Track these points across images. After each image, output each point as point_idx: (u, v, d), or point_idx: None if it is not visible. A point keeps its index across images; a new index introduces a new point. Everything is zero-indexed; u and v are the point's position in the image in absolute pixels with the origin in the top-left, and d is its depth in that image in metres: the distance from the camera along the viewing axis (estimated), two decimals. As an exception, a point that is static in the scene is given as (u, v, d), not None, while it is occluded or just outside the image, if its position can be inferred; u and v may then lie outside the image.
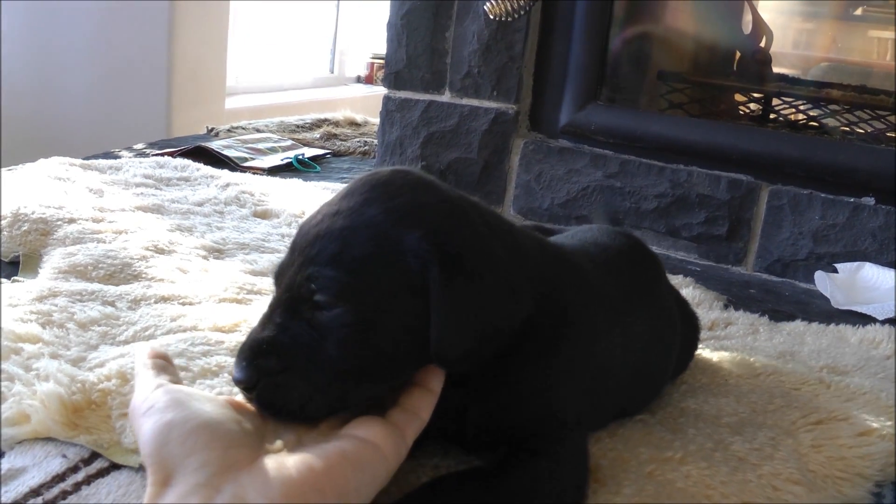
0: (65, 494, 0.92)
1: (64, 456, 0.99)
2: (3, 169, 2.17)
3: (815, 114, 2.53)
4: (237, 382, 0.85)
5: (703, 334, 1.43)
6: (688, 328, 1.31)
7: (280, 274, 0.90)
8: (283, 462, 0.75)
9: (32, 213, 1.73)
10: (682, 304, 1.36)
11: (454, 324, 0.85)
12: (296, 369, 0.83)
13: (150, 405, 0.80)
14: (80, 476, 0.96)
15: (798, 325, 1.66)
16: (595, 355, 1.03)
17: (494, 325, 0.88)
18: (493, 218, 0.96)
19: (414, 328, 0.85)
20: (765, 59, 2.66)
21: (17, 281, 1.48)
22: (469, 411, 0.96)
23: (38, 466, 0.97)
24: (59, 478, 0.95)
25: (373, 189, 0.90)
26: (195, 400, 0.80)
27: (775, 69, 2.70)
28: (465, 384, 0.94)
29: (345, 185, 0.94)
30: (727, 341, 1.53)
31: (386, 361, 0.86)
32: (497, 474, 0.90)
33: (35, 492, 0.92)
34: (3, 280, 1.48)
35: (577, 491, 0.94)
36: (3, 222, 1.69)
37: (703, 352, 1.40)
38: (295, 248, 0.89)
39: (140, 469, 0.97)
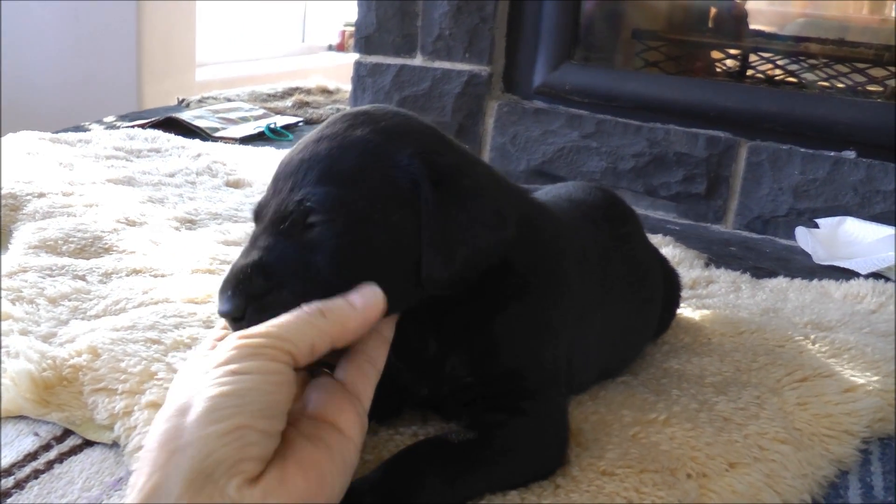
0: (37, 473, 0.91)
1: (36, 434, 0.97)
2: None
3: (793, 69, 2.51)
4: (223, 315, 0.82)
5: (685, 293, 1.41)
6: (668, 286, 1.30)
7: (261, 209, 0.88)
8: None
9: (1, 188, 1.70)
10: (662, 261, 1.34)
11: (445, 243, 0.84)
12: (284, 286, 0.81)
13: None
14: (52, 454, 0.94)
15: (780, 282, 1.65)
16: (572, 309, 1.01)
17: (482, 246, 0.87)
18: (474, 155, 0.96)
19: (403, 244, 0.84)
20: (741, 15, 2.64)
21: (-4, 258, 1.46)
22: (446, 362, 0.94)
23: (10, 445, 0.95)
24: (32, 456, 0.94)
25: (356, 117, 0.90)
26: None
27: (752, 25, 2.68)
28: (441, 333, 0.93)
29: (338, 114, 0.93)
30: (709, 300, 1.52)
31: (372, 277, 0.83)
32: (477, 436, 0.88)
33: (7, 471, 0.91)
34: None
35: (557, 452, 0.93)
36: (-30, 198, 1.67)
37: (685, 311, 1.39)
38: (278, 178, 0.88)
39: (113, 445, 0.95)
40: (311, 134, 0.91)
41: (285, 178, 0.86)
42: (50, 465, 0.92)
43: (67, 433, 0.98)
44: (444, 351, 0.94)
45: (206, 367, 0.73)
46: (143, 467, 0.68)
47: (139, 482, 0.67)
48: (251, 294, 0.80)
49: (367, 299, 0.82)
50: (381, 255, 0.84)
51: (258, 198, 1.83)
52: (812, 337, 1.32)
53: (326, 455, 0.74)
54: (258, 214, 0.88)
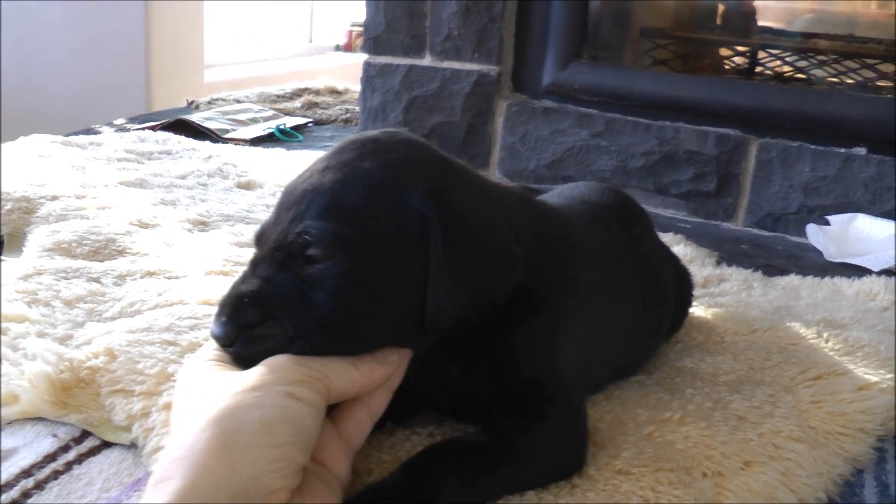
0: (56, 474, 0.91)
1: (54, 435, 0.98)
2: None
3: (802, 65, 2.51)
4: (215, 338, 0.82)
5: (697, 291, 1.42)
6: (680, 285, 1.30)
7: (263, 234, 0.87)
8: None
9: (15, 191, 1.71)
10: (674, 260, 1.34)
11: (452, 289, 0.83)
12: (277, 319, 0.80)
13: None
14: (71, 455, 0.95)
15: (793, 280, 1.65)
16: (587, 315, 1.01)
17: (490, 291, 0.87)
18: (483, 180, 0.94)
19: (406, 284, 0.83)
20: (749, 12, 2.64)
21: (2, 261, 1.46)
22: (462, 379, 0.94)
23: (29, 447, 0.96)
24: (51, 457, 0.94)
25: (364, 146, 0.88)
26: None
27: (760, 22, 2.68)
28: (457, 351, 0.92)
29: (344, 141, 0.91)
30: (721, 298, 1.52)
31: (374, 318, 0.83)
32: (497, 441, 0.88)
33: (26, 472, 0.91)
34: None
35: (577, 455, 0.93)
36: (-17, 201, 1.67)
37: (698, 309, 1.39)
38: (281, 207, 0.86)
39: (131, 446, 0.96)
40: (317, 161, 0.89)
41: (288, 207, 0.85)
42: (69, 466, 0.93)
43: (86, 434, 0.98)
44: (466, 371, 0.93)
45: (257, 377, 0.75)
46: (178, 466, 0.68)
47: (173, 481, 0.67)
48: (244, 323, 0.80)
49: (402, 356, 0.85)
50: (382, 294, 0.83)
51: (268, 199, 1.85)
52: (825, 335, 1.32)
53: (332, 495, 0.76)
54: (259, 239, 0.87)
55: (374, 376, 0.83)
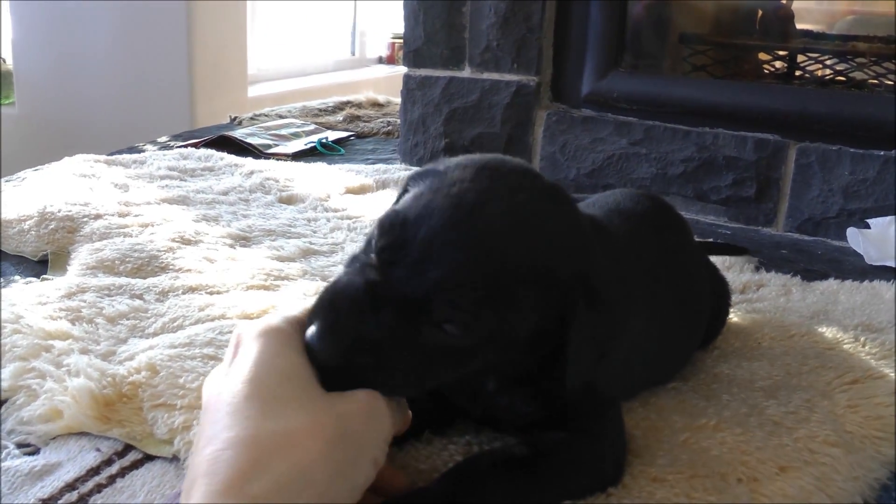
0: (100, 487, 0.93)
1: (98, 449, 1.00)
2: (28, 169, 2.18)
3: (841, 68, 2.49)
4: (320, 355, 0.78)
5: (735, 297, 1.41)
6: (718, 296, 1.30)
7: (398, 248, 0.78)
8: None
9: (59, 211, 1.74)
10: (712, 269, 1.34)
11: (589, 355, 0.85)
12: (385, 370, 0.78)
13: None
14: (114, 469, 0.96)
15: (831, 284, 1.64)
16: (628, 329, 1.01)
17: (610, 345, 0.89)
18: (590, 226, 0.93)
19: (519, 351, 0.84)
20: (788, 16, 2.63)
21: (47, 279, 1.49)
22: (505, 398, 0.94)
23: (73, 461, 0.98)
24: (94, 471, 0.96)
25: (515, 197, 0.82)
26: None
27: (799, 25, 2.66)
28: (499, 374, 0.93)
29: (474, 167, 0.84)
30: (759, 303, 1.52)
31: (470, 374, 0.85)
32: (537, 454, 0.89)
33: (70, 486, 0.93)
34: (33, 279, 1.49)
35: (617, 467, 0.93)
36: (30, 222, 1.70)
37: (735, 315, 1.39)
38: (437, 241, 0.77)
39: (173, 459, 0.97)
40: (467, 195, 0.80)
41: (435, 253, 0.77)
42: (112, 479, 0.94)
43: (128, 448, 1.00)
44: (503, 387, 0.94)
45: (364, 425, 0.75)
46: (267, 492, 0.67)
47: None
48: (353, 363, 0.77)
49: None
50: (490, 361, 0.83)
51: (310, 213, 1.86)
52: (862, 339, 1.31)
53: None
54: (391, 252, 0.79)
55: (408, 420, 0.85)
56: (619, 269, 0.99)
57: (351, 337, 0.77)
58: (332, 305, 0.79)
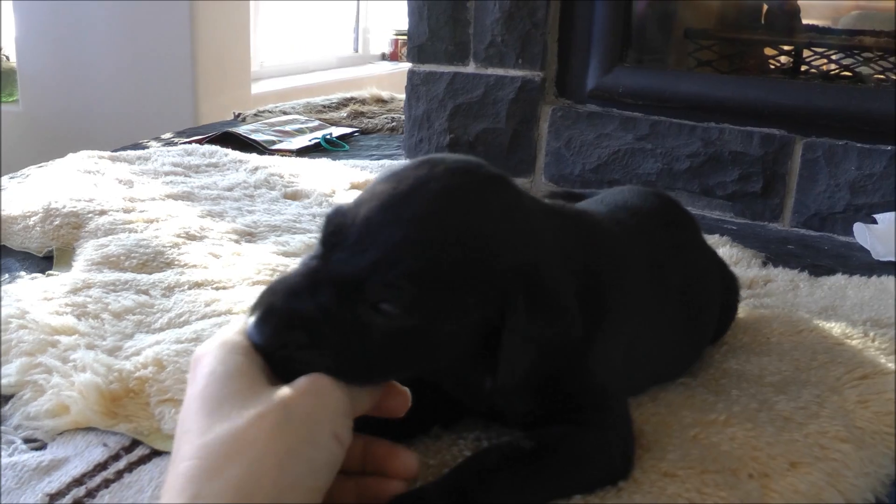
0: (107, 482, 0.93)
1: (105, 445, 0.99)
2: (32, 166, 2.18)
3: (847, 63, 2.49)
4: (253, 340, 0.78)
5: (743, 293, 1.40)
6: (727, 291, 1.29)
7: (339, 233, 0.81)
8: None
9: (63, 207, 1.73)
10: (721, 265, 1.33)
11: (525, 354, 0.83)
12: (322, 352, 0.77)
13: None
14: (121, 464, 0.96)
15: (839, 279, 1.63)
16: (631, 325, 1.01)
17: (551, 351, 0.86)
18: (548, 219, 0.92)
19: (464, 341, 0.83)
20: (793, 11, 2.62)
21: (52, 275, 1.49)
22: (505, 396, 0.94)
23: (80, 456, 0.97)
24: (101, 466, 0.96)
25: (458, 191, 0.83)
26: None
27: (804, 20, 2.66)
28: (489, 366, 0.92)
29: (417, 160, 0.86)
30: (767, 299, 1.51)
31: (422, 365, 0.84)
32: (543, 447, 0.88)
33: (78, 481, 0.93)
34: (38, 274, 1.49)
35: (624, 459, 0.93)
36: (35, 218, 1.70)
37: (743, 310, 1.39)
38: (365, 229, 0.79)
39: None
40: (406, 183, 0.82)
41: (373, 237, 0.78)
42: (119, 474, 0.94)
43: (136, 443, 1.00)
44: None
45: (310, 408, 0.74)
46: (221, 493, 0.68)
47: None
48: (288, 342, 0.77)
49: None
50: (438, 349, 0.82)
51: (315, 209, 1.86)
52: (871, 334, 1.30)
53: None
54: (333, 237, 0.81)
55: (376, 401, 0.83)
56: (616, 273, 1.00)
57: (286, 317, 0.77)
58: (270, 293, 0.80)
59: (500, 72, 2.45)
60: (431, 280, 0.78)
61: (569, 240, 0.93)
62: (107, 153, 2.32)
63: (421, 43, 2.55)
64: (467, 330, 0.82)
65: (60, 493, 0.90)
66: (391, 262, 0.77)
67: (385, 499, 0.80)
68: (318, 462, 0.72)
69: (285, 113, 3.28)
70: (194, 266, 1.50)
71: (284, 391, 0.74)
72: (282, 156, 2.59)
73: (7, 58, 4.61)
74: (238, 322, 0.82)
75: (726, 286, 1.29)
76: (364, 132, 3.10)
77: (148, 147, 2.61)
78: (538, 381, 0.92)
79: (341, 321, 0.77)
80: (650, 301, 1.06)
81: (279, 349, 0.77)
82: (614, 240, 1.05)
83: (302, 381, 0.75)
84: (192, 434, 0.71)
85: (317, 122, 3.10)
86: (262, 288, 1.24)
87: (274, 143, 2.76)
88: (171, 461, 0.72)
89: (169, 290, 1.39)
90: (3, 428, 1.03)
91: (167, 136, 2.89)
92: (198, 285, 1.41)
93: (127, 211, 1.77)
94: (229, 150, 2.46)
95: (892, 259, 1.82)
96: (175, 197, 1.94)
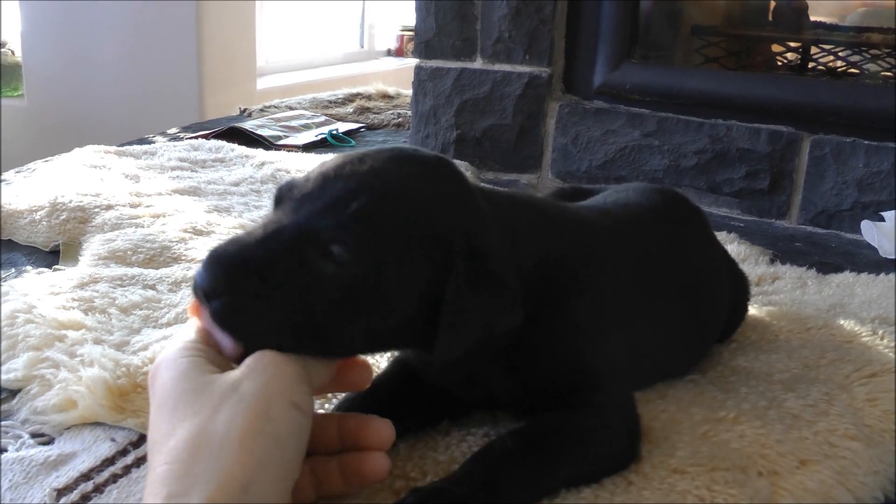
0: (115, 477, 0.93)
1: (113, 440, 0.99)
2: (38, 161, 2.18)
3: (855, 60, 2.49)
4: (199, 287, 0.78)
5: (751, 290, 1.40)
6: (736, 289, 1.29)
7: (290, 192, 0.83)
8: None
9: (70, 201, 1.73)
10: (730, 262, 1.33)
11: (463, 325, 0.83)
12: (273, 301, 0.77)
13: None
14: (129, 459, 0.96)
15: (847, 277, 1.63)
16: (616, 313, 1.01)
17: (494, 331, 0.86)
18: (502, 205, 0.94)
19: (409, 310, 0.83)
20: (801, 8, 2.62)
21: (59, 269, 1.49)
22: (499, 382, 0.95)
23: (88, 451, 0.97)
24: (109, 461, 0.96)
25: (411, 161, 0.87)
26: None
27: (812, 17, 2.65)
28: (489, 359, 0.93)
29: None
30: (775, 296, 1.51)
31: (369, 334, 0.83)
32: (547, 430, 0.90)
33: (85, 476, 0.93)
34: (45, 269, 1.49)
35: (632, 435, 0.94)
36: (41, 212, 1.70)
37: (752, 308, 1.38)
38: (320, 184, 0.82)
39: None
40: (362, 154, 0.86)
41: (327, 188, 0.81)
42: (127, 469, 0.94)
43: (143, 438, 0.99)
44: (495, 376, 0.95)
45: (262, 386, 0.74)
46: (193, 484, 0.68)
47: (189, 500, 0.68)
48: (239, 288, 0.77)
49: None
50: (384, 314, 0.82)
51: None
52: (880, 332, 1.30)
53: None
54: (284, 198, 0.83)
55: (333, 374, 0.83)
56: (596, 258, 1.02)
57: (235, 262, 0.77)
58: (219, 247, 0.80)
59: (507, 68, 2.44)
60: (380, 225, 0.80)
61: (519, 221, 0.94)
62: (113, 148, 2.33)
63: (428, 38, 2.55)
64: (414, 292, 0.82)
65: (68, 488, 0.90)
66: (343, 204, 0.79)
67: (365, 473, 0.81)
68: (283, 434, 0.72)
69: (291, 108, 3.28)
70: (201, 261, 1.49)
71: (232, 375, 0.75)
72: (288, 151, 2.58)
73: (13, 52, 4.62)
74: (183, 330, 0.83)
75: (736, 284, 1.29)
76: (370, 128, 3.09)
77: (154, 142, 2.60)
78: (502, 358, 0.93)
79: (292, 267, 0.77)
80: (640, 292, 1.07)
81: (227, 294, 0.77)
82: (592, 230, 1.06)
83: (249, 360, 0.76)
84: (158, 444, 0.72)
85: (323, 118, 3.10)
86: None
87: (280, 138, 2.75)
88: (147, 471, 0.73)
89: (176, 285, 1.38)
90: (10, 422, 1.03)
91: (173, 130, 2.89)
92: (205, 280, 1.40)
93: (133, 206, 1.77)
94: (235, 146, 2.46)
95: (900, 257, 1.82)
96: (181, 192, 1.94)
